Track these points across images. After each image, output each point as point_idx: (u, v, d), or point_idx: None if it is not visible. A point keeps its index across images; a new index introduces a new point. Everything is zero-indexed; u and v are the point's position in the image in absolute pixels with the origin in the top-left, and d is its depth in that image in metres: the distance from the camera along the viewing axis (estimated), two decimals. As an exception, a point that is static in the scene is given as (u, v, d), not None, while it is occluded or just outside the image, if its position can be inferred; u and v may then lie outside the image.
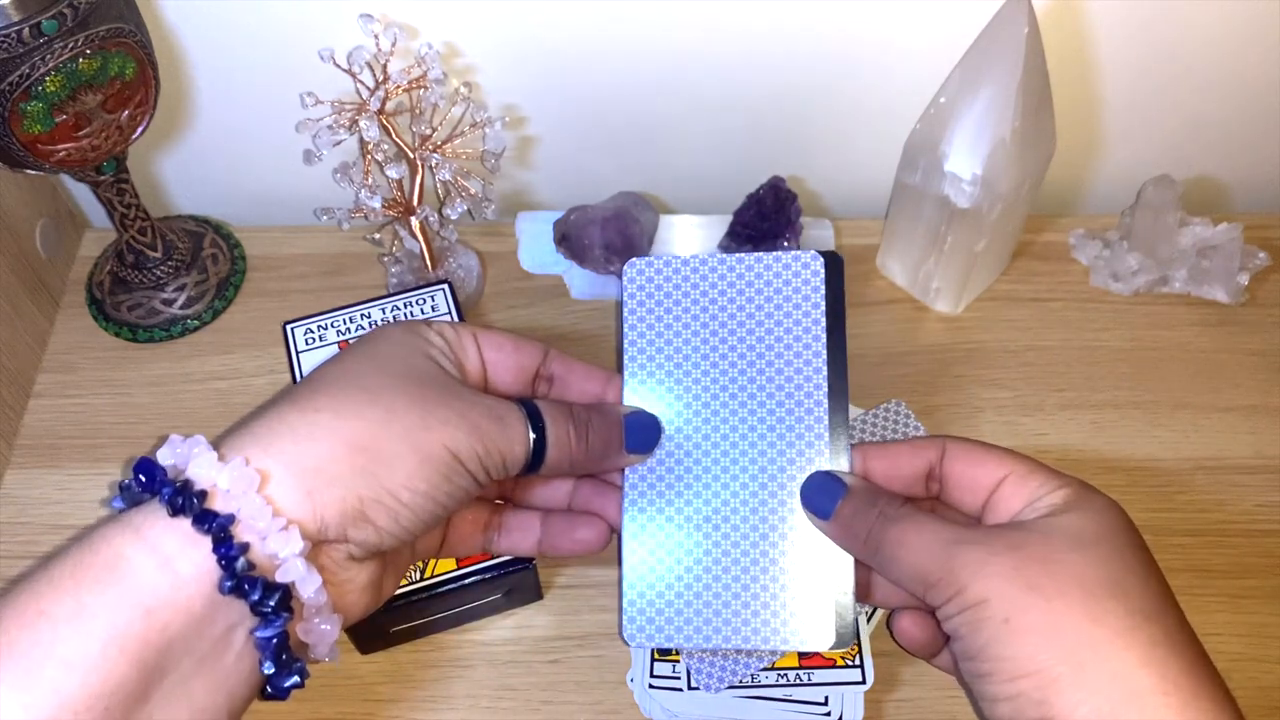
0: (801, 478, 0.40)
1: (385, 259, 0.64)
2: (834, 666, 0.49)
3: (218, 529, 0.30)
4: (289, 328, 0.58)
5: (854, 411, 0.55)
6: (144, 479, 0.31)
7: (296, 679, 0.32)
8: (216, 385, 0.62)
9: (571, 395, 0.42)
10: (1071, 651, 0.31)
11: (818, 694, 0.48)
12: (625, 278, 0.43)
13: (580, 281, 0.66)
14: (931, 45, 0.58)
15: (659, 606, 0.40)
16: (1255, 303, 0.64)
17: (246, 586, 0.30)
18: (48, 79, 0.50)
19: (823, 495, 0.39)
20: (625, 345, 0.43)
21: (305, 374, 0.56)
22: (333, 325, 0.58)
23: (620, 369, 0.42)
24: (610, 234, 0.63)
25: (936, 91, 0.56)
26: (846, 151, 0.70)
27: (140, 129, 0.57)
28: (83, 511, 0.57)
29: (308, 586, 0.31)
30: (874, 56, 0.63)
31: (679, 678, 0.49)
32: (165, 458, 0.32)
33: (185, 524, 0.30)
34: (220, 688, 0.30)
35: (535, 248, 0.67)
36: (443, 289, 0.59)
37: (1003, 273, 0.66)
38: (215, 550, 0.30)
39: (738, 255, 0.43)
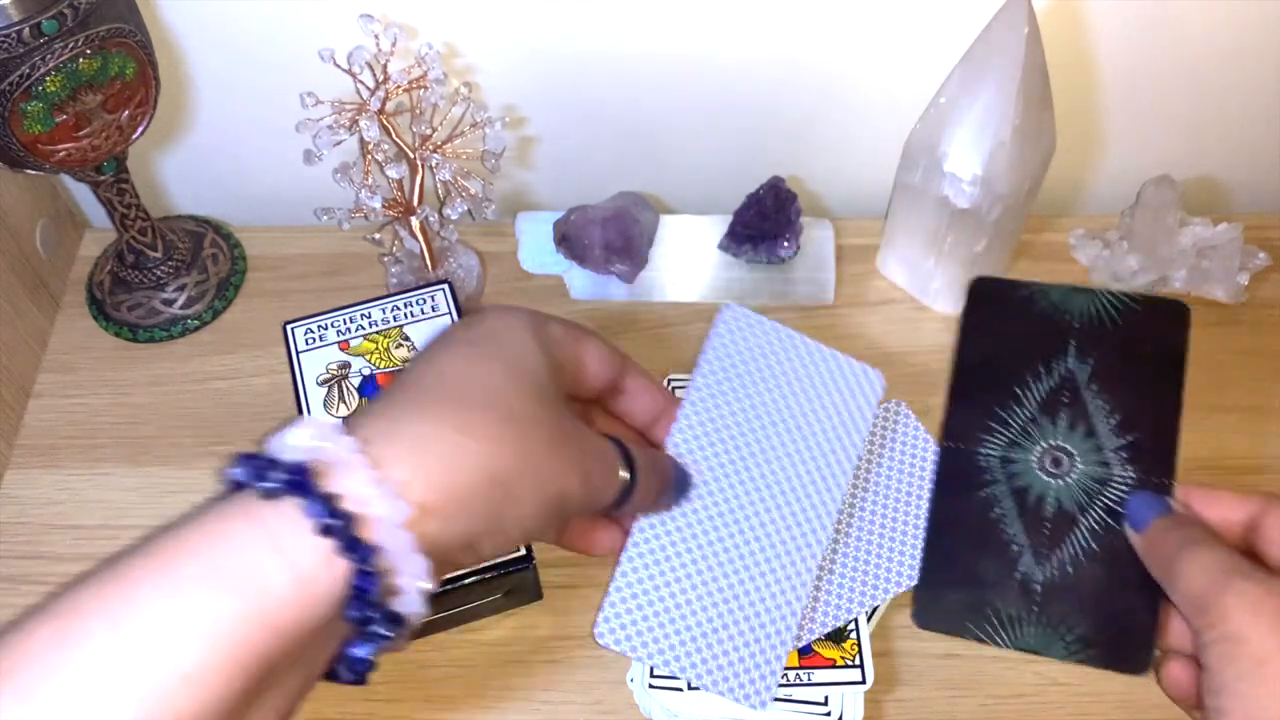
0: (804, 559, 0.43)
1: (385, 259, 0.64)
2: (834, 666, 0.48)
3: (361, 558, 0.28)
4: (289, 328, 0.58)
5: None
6: (287, 480, 0.28)
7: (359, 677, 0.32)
8: (216, 385, 0.62)
9: (635, 411, 0.42)
10: None
11: (817, 694, 0.48)
12: (720, 320, 0.46)
13: (580, 281, 0.66)
14: (931, 45, 0.58)
15: (636, 617, 0.41)
16: (1255, 303, 0.64)
17: (370, 613, 0.29)
18: (48, 79, 0.50)
19: (1145, 508, 0.41)
20: (695, 380, 0.45)
21: (303, 379, 0.56)
22: (333, 325, 0.58)
23: (683, 400, 0.44)
24: (610, 234, 0.63)
25: (936, 91, 0.56)
26: (846, 151, 0.70)
27: (140, 129, 0.57)
28: (82, 511, 0.57)
29: (417, 615, 0.31)
30: (874, 57, 0.64)
31: (679, 677, 0.49)
32: (302, 440, 0.29)
33: (328, 543, 0.28)
34: (304, 683, 0.30)
35: (535, 248, 0.67)
36: (443, 289, 0.59)
37: (1003, 273, 0.66)
38: (356, 581, 0.28)
39: (817, 344, 0.47)
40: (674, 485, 0.42)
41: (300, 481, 0.28)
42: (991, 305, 0.48)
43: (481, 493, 0.31)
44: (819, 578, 0.46)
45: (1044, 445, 0.45)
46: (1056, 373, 0.46)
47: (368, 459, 0.29)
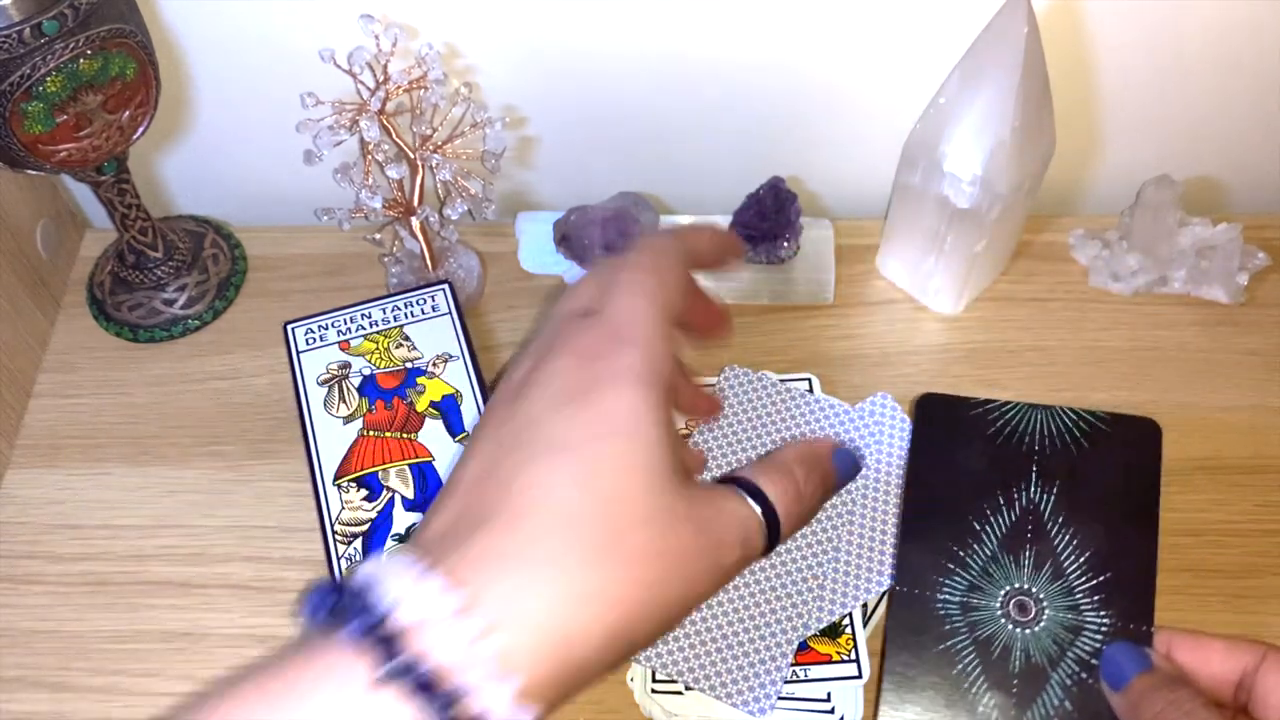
0: (805, 563, 0.43)
1: (385, 259, 0.64)
2: (830, 662, 0.49)
3: None
4: (289, 328, 0.58)
5: (838, 404, 0.56)
6: (381, 646, 0.25)
7: None
8: (217, 385, 0.62)
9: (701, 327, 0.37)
10: None
11: (819, 690, 0.48)
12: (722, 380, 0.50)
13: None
14: (931, 45, 0.58)
15: None
16: (1254, 303, 0.64)
17: None
18: (48, 79, 0.50)
19: (1123, 663, 0.37)
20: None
21: (303, 379, 0.56)
22: (333, 325, 0.58)
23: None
24: (610, 234, 0.63)
25: (936, 91, 0.56)
26: (846, 151, 0.70)
27: (141, 129, 0.57)
28: (83, 511, 0.57)
29: None
30: (874, 57, 0.64)
31: (682, 683, 0.49)
32: (389, 591, 0.26)
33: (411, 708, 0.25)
34: None
35: (535, 248, 0.67)
36: (443, 289, 0.59)
37: (1003, 273, 0.66)
38: None
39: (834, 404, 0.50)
40: (841, 468, 0.37)
41: (392, 654, 0.25)
42: (941, 428, 0.43)
43: (597, 645, 0.28)
44: (816, 575, 0.46)
45: (1008, 589, 0.41)
46: (1017, 504, 0.42)
47: (475, 626, 0.26)
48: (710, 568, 0.30)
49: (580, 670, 0.28)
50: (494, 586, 0.27)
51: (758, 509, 0.33)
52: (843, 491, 0.47)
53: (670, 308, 0.33)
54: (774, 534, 0.33)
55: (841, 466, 0.37)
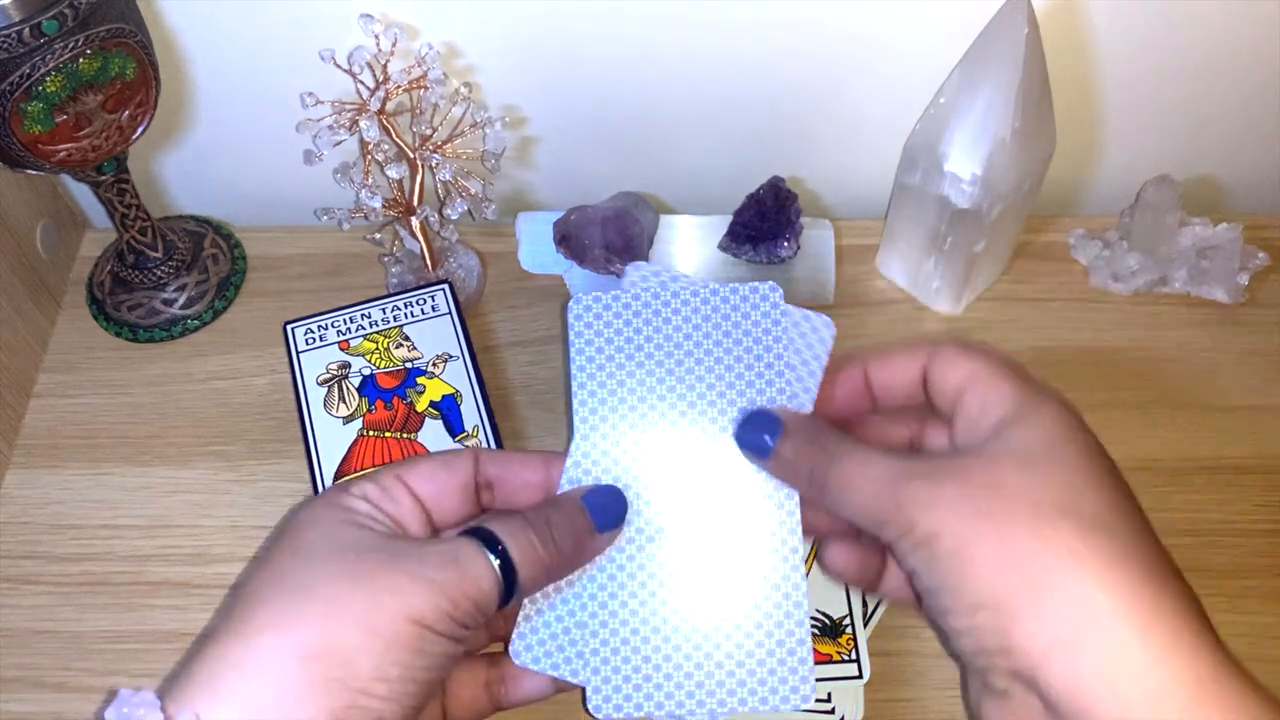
0: (785, 522, 0.37)
1: (385, 259, 0.64)
2: (830, 661, 0.49)
3: None
4: (289, 328, 0.58)
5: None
6: None
7: None
8: (216, 385, 0.62)
9: (514, 491, 0.38)
10: (1025, 578, 0.30)
11: (819, 690, 0.48)
12: (571, 316, 0.40)
13: (580, 281, 0.66)
14: (931, 45, 0.58)
15: (626, 688, 0.37)
16: (1255, 303, 0.64)
17: None
18: (48, 79, 0.50)
19: (760, 433, 0.37)
20: (575, 394, 0.39)
21: (303, 379, 0.56)
22: (333, 325, 0.58)
23: (569, 421, 0.39)
24: (610, 234, 0.63)
25: (936, 92, 0.56)
26: (846, 151, 0.70)
27: (141, 129, 0.57)
28: (83, 511, 0.57)
29: None
30: (874, 56, 0.64)
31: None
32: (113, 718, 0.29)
33: None
34: None
35: (535, 248, 0.67)
36: (443, 289, 0.59)
37: (1003, 273, 0.66)
38: None
39: (691, 288, 0.40)
40: (594, 511, 0.37)
41: None
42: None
43: (297, 677, 0.29)
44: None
45: None
46: None
47: (162, 705, 0.29)
48: (413, 585, 0.31)
49: (291, 701, 0.29)
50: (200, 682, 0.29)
51: (486, 550, 0.33)
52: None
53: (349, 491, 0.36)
54: (511, 583, 0.33)
55: (595, 506, 0.37)
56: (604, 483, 0.38)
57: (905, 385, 0.37)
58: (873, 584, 0.38)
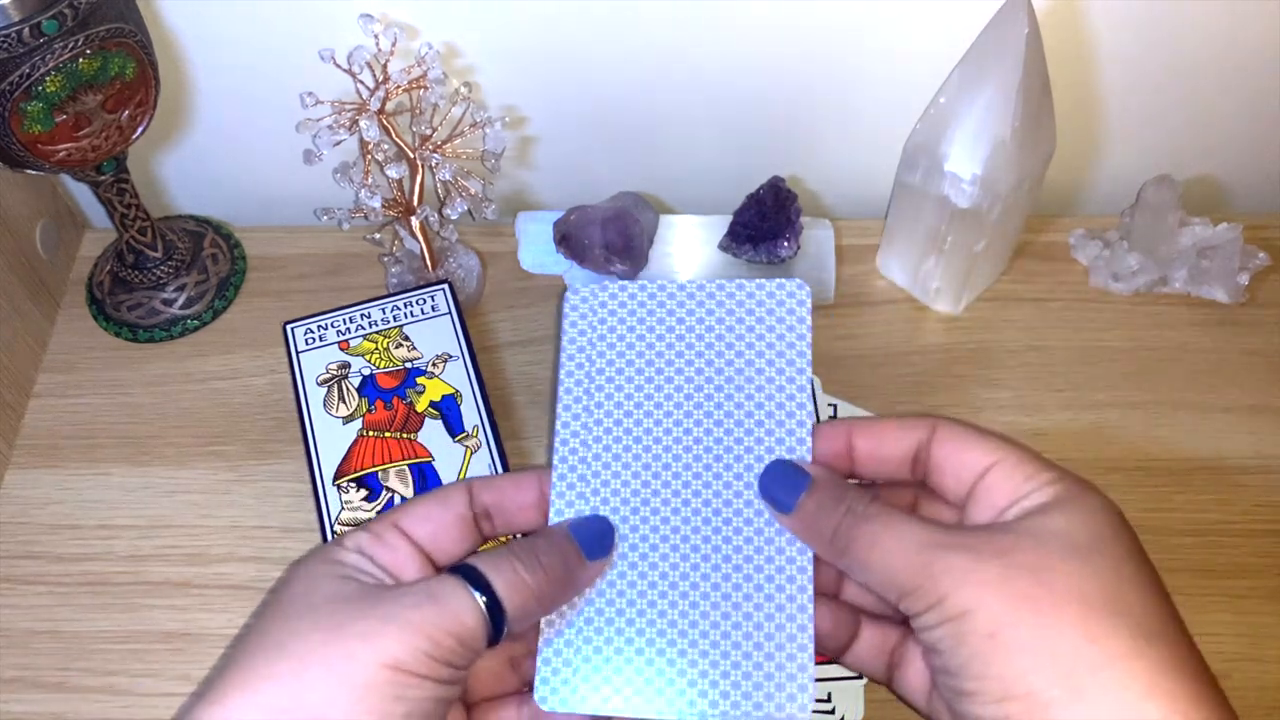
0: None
1: (385, 259, 0.64)
2: (828, 661, 0.48)
3: None
4: (289, 328, 0.58)
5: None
6: None
7: None
8: (216, 385, 0.62)
9: (513, 515, 0.38)
10: (1068, 674, 0.28)
11: (819, 690, 0.48)
12: (567, 307, 0.38)
13: (580, 281, 0.66)
14: (931, 45, 0.58)
15: (585, 655, 0.37)
16: (1255, 303, 0.64)
17: None
18: (48, 79, 0.50)
19: (784, 486, 0.35)
20: (561, 398, 0.38)
21: (303, 379, 0.56)
22: (333, 325, 0.58)
23: (551, 424, 0.39)
24: (610, 234, 0.63)
25: (936, 92, 0.56)
26: (846, 151, 0.70)
27: (140, 129, 0.57)
28: (82, 511, 0.57)
29: None
30: (874, 56, 0.64)
31: None
32: None
33: None
34: None
35: (535, 248, 0.67)
36: (443, 289, 0.59)
37: (1003, 273, 0.66)
38: None
39: (698, 284, 0.39)
40: (582, 541, 0.36)
41: None
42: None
43: None
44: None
45: None
46: None
47: None
48: (386, 627, 0.31)
49: None
50: None
51: (468, 585, 0.33)
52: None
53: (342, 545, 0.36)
54: (498, 614, 0.33)
55: (584, 535, 0.36)
56: (592, 487, 0.38)
57: (895, 459, 0.36)
58: (839, 650, 0.37)
